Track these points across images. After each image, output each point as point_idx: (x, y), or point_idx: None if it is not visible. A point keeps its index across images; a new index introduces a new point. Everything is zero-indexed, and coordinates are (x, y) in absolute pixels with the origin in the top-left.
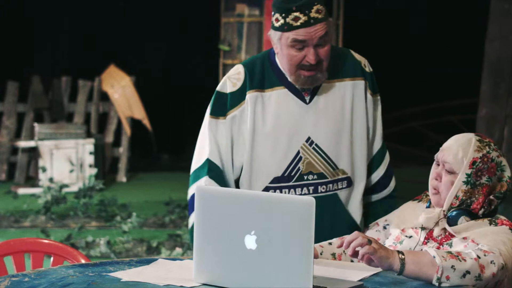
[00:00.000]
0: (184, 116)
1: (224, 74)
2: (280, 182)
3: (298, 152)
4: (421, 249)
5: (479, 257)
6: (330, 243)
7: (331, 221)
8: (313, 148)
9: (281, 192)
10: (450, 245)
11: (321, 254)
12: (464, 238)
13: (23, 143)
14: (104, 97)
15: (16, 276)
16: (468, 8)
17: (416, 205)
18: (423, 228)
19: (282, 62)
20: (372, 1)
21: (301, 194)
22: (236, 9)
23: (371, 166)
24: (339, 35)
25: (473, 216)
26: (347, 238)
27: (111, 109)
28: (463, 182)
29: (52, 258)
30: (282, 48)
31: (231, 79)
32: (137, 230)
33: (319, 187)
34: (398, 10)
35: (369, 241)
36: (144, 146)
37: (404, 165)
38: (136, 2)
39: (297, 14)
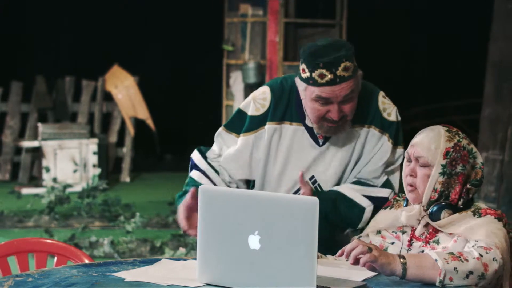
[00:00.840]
0: (188, 116)
1: (227, 75)
2: None
3: (300, 188)
4: (407, 251)
5: (481, 256)
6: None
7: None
8: (315, 187)
9: None
10: (437, 242)
11: (320, 257)
12: (450, 234)
13: (26, 143)
14: (108, 97)
15: (19, 276)
16: (472, 8)
17: (389, 212)
18: (403, 231)
19: (306, 110)
20: (373, 1)
21: None
22: (239, 9)
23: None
24: (342, 35)
25: (454, 208)
26: (347, 247)
27: (115, 109)
28: (440, 173)
29: (55, 258)
30: (306, 99)
31: (256, 103)
32: (140, 230)
33: None
34: (400, 9)
35: (369, 249)
36: (147, 146)
37: None
38: (140, 2)
39: (323, 71)
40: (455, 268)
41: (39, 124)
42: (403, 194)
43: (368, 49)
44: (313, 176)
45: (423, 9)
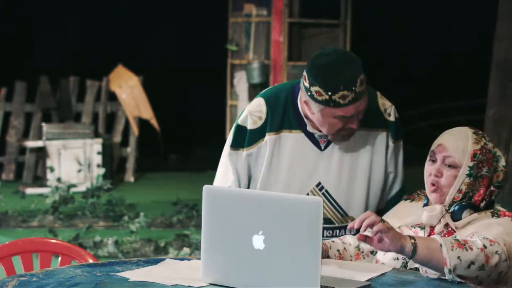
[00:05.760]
0: (192, 116)
1: (232, 75)
2: None
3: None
4: None
5: (485, 247)
6: (333, 241)
7: None
8: (323, 194)
9: None
10: (455, 238)
11: (330, 248)
12: (469, 235)
13: (31, 143)
14: (112, 97)
15: (24, 276)
16: (475, 8)
17: (409, 204)
18: (422, 228)
19: (319, 125)
20: (378, 1)
21: None
22: (244, 9)
23: (386, 207)
24: (347, 35)
25: (475, 209)
26: (360, 217)
27: (119, 109)
28: (466, 175)
29: (60, 258)
30: (322, 116)
31: (253, 116)
32: (144, 230)
33: (325, 231)
34: (404, 9)
35: (382, 220)
36: (151, 146)
37: (411, 165)
38: (144, 2)
39: (344, 92)
40: (458, 257)
41: (43, 124)
42: (423, 190)
43: (372, 49)
44: (320, 183)
45: (426, 9)
